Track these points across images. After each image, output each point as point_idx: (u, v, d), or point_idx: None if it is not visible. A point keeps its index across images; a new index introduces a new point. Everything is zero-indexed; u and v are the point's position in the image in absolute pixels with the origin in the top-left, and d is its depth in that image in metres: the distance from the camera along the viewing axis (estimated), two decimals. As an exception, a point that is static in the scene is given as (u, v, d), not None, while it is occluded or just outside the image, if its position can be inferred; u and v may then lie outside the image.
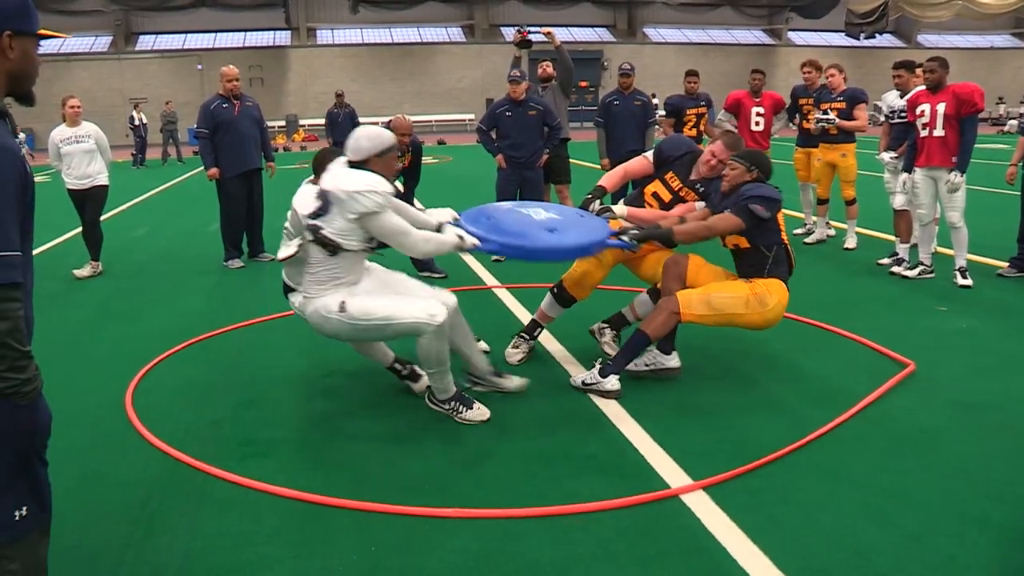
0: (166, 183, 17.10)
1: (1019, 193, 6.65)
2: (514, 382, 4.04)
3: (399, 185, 6.68)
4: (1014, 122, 5.88)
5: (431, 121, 34.57)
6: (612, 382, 3.99)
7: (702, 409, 3.92)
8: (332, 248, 3.53)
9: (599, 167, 8.39)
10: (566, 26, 36.79)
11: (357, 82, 34.59)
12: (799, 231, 8.62)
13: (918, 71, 6.81)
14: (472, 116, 35.02)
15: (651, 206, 4.53)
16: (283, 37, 36.30)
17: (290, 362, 4.74)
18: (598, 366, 4.08)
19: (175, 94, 29.05)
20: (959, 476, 3.16)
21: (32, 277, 1.98)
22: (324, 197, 3.52)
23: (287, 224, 3.93)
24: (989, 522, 2.80)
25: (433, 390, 3.81)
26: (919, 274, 6.56)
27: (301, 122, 33.64)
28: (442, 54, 37.57)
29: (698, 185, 4.43)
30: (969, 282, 6.24)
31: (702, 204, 4.36)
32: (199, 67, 33.34)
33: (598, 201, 4.38)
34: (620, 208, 4.45)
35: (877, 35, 38.11)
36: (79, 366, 4.80)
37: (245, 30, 36.01)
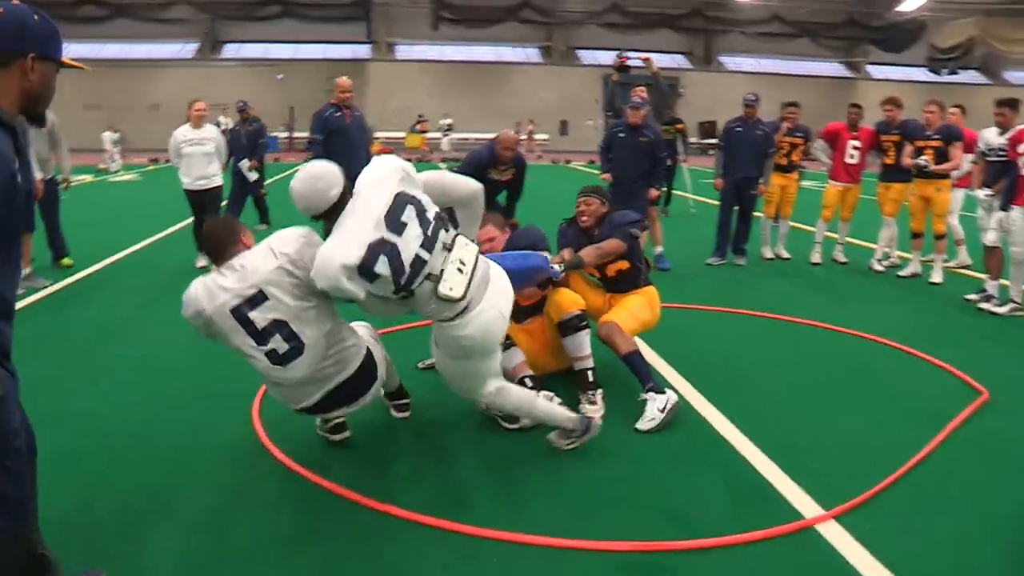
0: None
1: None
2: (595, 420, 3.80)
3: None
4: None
5: (503, 139, 34.36)
6: (665, 394, 4.07)
7: (818, 430, 4.04)
8: None
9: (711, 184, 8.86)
10: (643, 51, 36.50)
11: (434, 97, 35.01)
12: (880, 266, 8.51)
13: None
14: (547, 136, 34.89)
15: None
16: (362, 51, 37.02)
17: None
18: (645, 398, 4.06)
19: (255, 102, 29.63)
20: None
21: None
22: None
23: None
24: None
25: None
26: (1010, 311, 6.50)
27: (376, 135, 34.09)
28: (519, 74, 37.80)
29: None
30: (1063, 322, 6.16)
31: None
32: (279, 77, 34.27)
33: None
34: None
35: (960, 71, 37.30)
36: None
37: (325, 42, 36.87)
